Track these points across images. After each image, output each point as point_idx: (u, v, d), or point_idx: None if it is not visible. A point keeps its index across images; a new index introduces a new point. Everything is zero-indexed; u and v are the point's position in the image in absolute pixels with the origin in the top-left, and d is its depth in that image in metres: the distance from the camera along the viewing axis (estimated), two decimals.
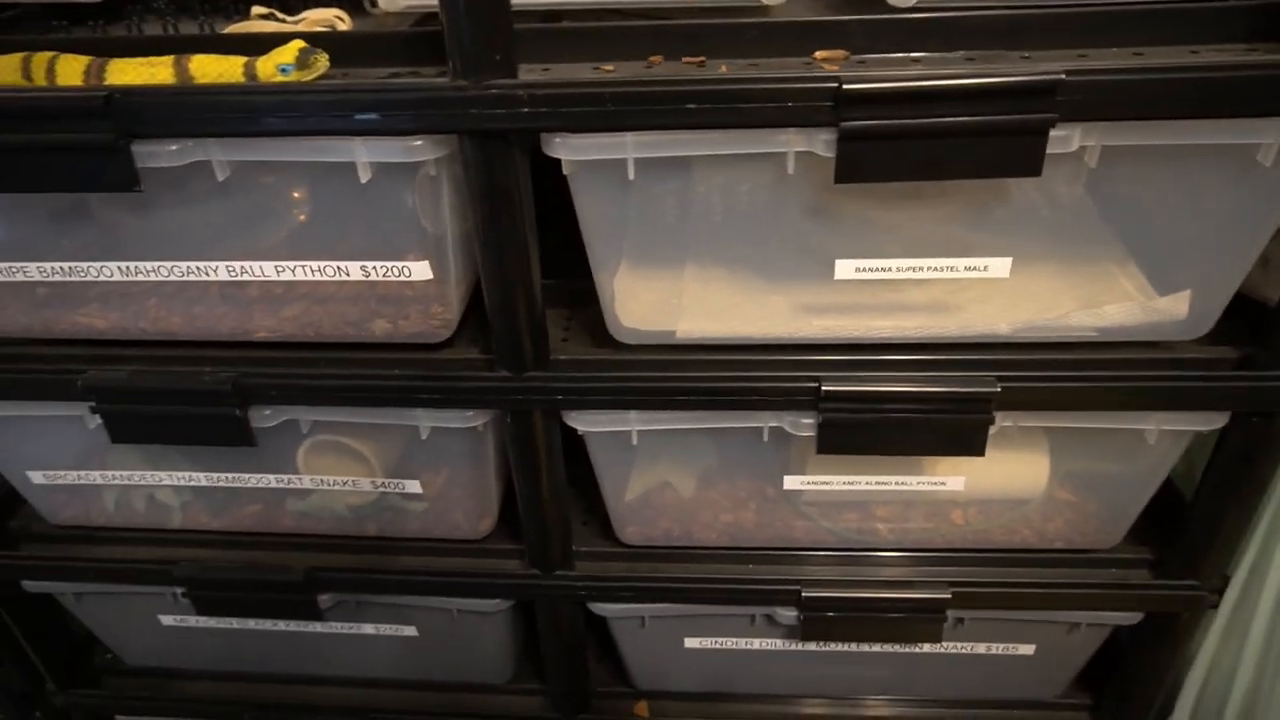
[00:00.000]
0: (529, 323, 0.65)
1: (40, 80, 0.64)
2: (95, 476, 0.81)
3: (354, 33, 0.68)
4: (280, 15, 0.76)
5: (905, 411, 0.64)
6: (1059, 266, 0.64)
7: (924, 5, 0.63)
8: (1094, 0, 0.61)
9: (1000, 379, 0.63)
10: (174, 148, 0.58)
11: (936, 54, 0.62)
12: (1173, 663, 0.81)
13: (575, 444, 0.73)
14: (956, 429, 0.64)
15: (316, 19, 0.75)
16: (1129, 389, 0.64)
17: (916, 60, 0.61)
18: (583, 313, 0.73)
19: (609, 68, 0.63)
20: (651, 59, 0.64)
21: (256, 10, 0.77)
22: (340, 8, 0.78)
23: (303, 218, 0.66)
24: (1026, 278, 0.63)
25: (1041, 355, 0.64)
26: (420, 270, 0.64)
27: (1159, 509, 0.76)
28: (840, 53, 0.63)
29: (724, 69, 0.61)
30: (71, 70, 0.63)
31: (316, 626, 0.89)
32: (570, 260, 0.67)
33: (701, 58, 0.64)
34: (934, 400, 0.63)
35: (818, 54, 0.63)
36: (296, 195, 0.66)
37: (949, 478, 0.73)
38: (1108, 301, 0.64)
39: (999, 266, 0.61)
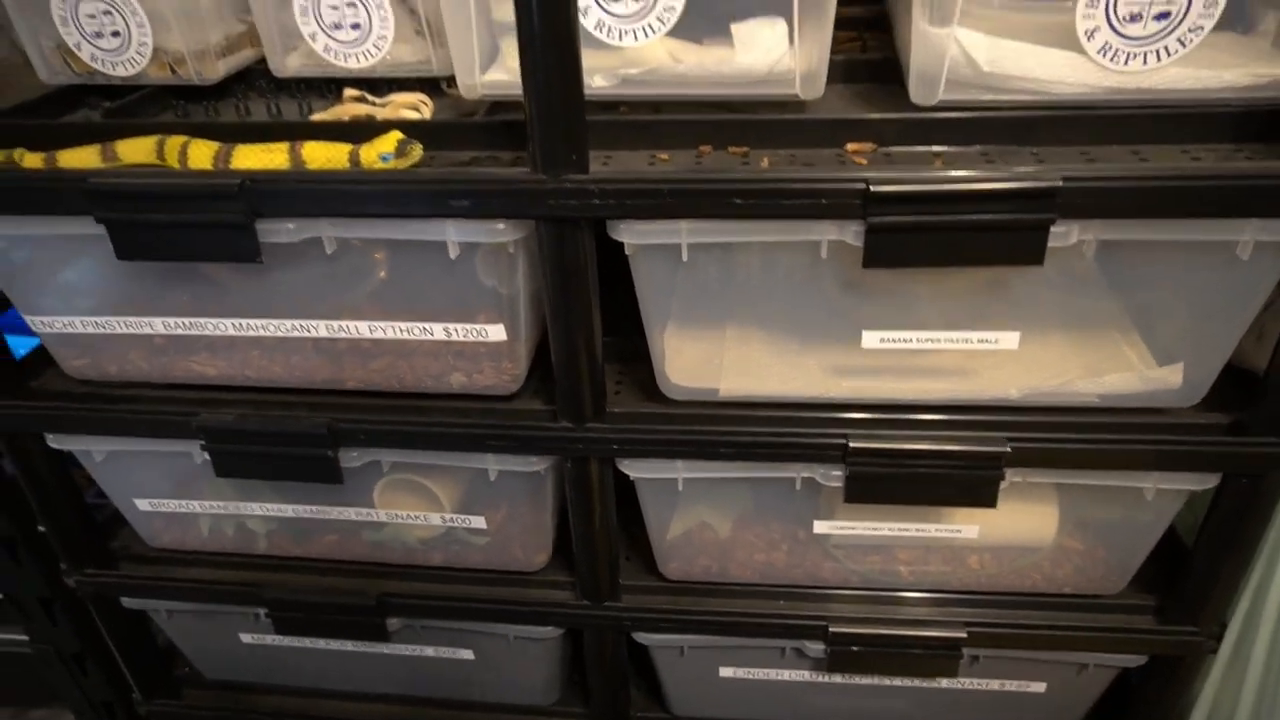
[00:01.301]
0: (590, 380, 0.73)
1: (173, 161, 0.75)
2: (194, 505, 0.90)
3: (442, 121, 0.77)
4: (370, 97, 0.87)
5: (924, 467, 0.71)
6: (1066, 337, 0.71)
7: (944, 104, 0.71)
8: (1097, 102, 0.69)
9: (1010, 439, 0.70)
10: (292, 226, 0.68)
11: (955, 147, 0.71)
12: (1176, 704, 0.86)
13: (622, 484, 0.81)
14: (969, 483, 0.71)
15: (403, 102, 0.85)
16: (1128, 451, 0.71)
17: (938, 155, 0.70)
18: (633, 367, 0.82)
19: (664, 156, 0.72)
20: (701, 149, 0.74)
21: (349, 93, 0.87)
22: (422, 90, 0.88)
23: (393, 282, 0.75)
24: (1035, 348, 0.71)
25: (1048, 418, 0.71)
26: (496, 332, 0.73)
27: (1162, 558, 0.82)
28: (869, 145, 0.72)
29: (766, 161, 0.70)
30: (202, 155, 0.73)
31: (382, 648, 0.97)
32: (621, 318, 0.75)
33: (745, 148, 0.73)
34: (949, 457, 0.70)
35: (849, 145, 0.72)
36: (391, 265, 0.75)
37: (965, 526, 0.80)
38: (1111, 369, 0.71)
39: (1008, 339, 0.69)
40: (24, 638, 1.08)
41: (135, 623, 1.01)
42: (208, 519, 0.92)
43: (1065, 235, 0.61)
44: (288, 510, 0.89)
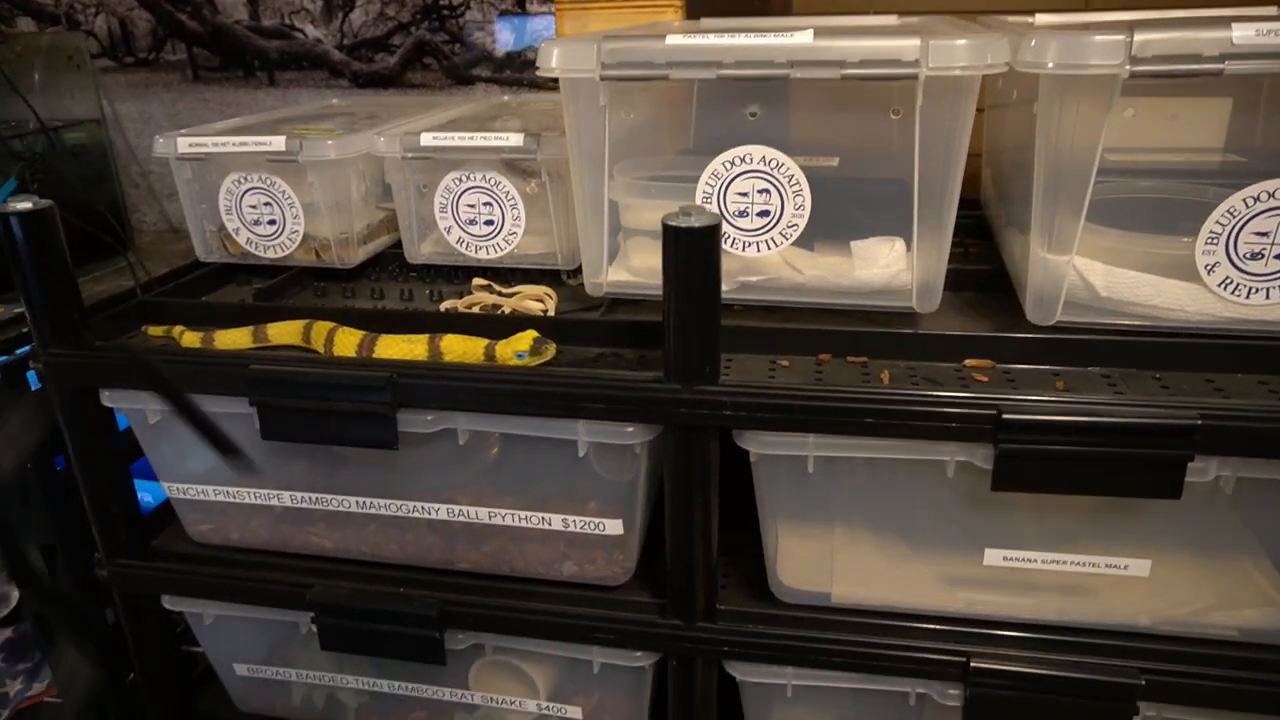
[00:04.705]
0: (705, 581, 0.73)
1: (318, 346, 0.80)
2: (290, 674, 0.91)
3: (572, 319, 0.81)
4: (498, 287, 0.92)
5: (1052, 695, 0.68)
6: (1198, 565, 0.69)
7: (1061, 325, 0.73)
8: (1219, 331, 0.70)
9: (1143, 671, 0.67)
10: (429, 418, 0.72)
11: (1074, 368, 0.71)
12: None
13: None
14: (1101, 716, 0.68)
15: (530, 294, 0.90)
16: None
17: (1057, 375, 0.71)
18: (738, 560, 0.81)
19: (785, 362, 0.75)
20: (821, 356, 0.76)
21: (477, 282, 0.93)
22: (544, 279, 0.94)
23: (516, 472, 0.78)
24: (1166, 575, 0.69)
25: (1185, 649, 0.68)
26: (613, 526, 0.74)
27: None
28: (987, 362, 0.73)
29: (886, 374, 0.72)
30: (347, 342, 0.78)
31: None
32: (724, 511, 0.75)
33: (864, 358, 0.75)
34: (1080, 688, 0.67)
35: (968, 361, 0.74)
36: (517, 456, 0.77)
37: None
38: (1246, 602, 0.69)
39: (1139, 566, 0.68)
40: None
41: None
42: (301, 688, 0.92)
43: (1203, 471, 0.61)
44: (382, 685, 0.89)
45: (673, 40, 0.71)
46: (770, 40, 0.69)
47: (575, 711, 0.84)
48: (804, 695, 0.78)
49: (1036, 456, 0.61)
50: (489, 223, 0.91)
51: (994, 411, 0.61)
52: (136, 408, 0.78)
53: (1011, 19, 1.03)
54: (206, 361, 0.74)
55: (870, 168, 0.79)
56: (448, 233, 0.92)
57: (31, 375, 0.94)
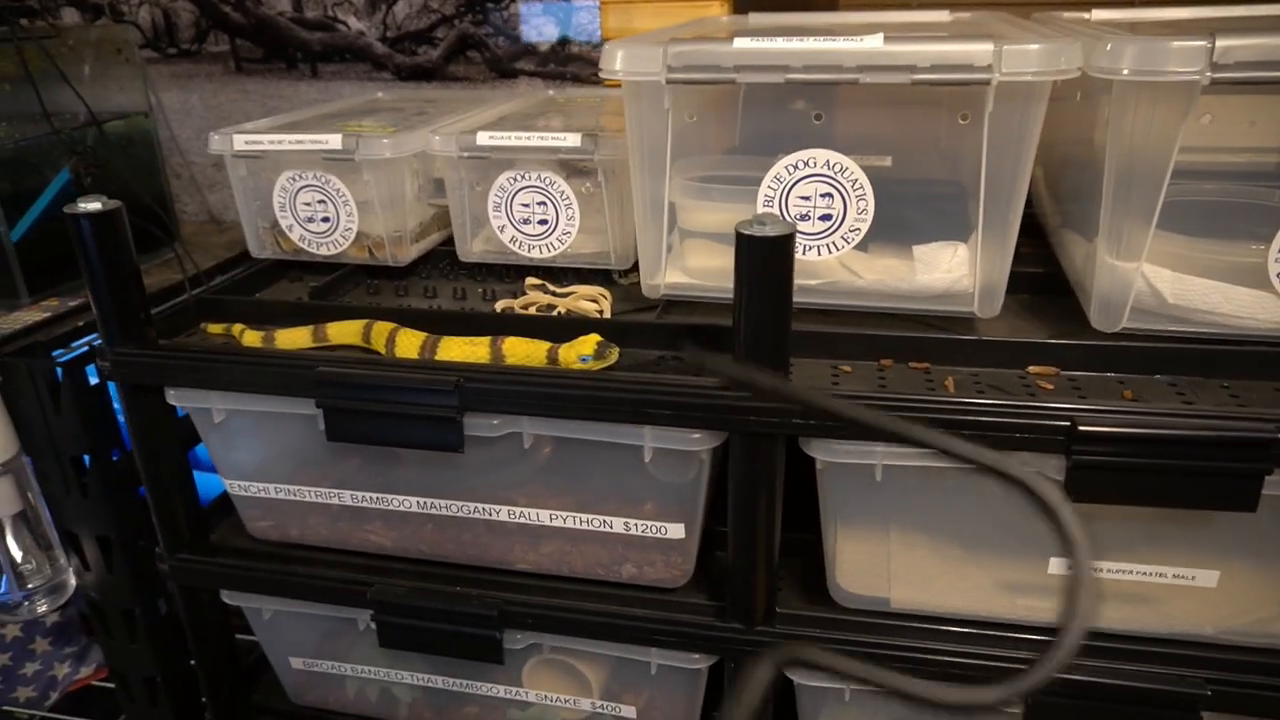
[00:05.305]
0: (765, 585, 0.73)
1: (379, 346, 0.80)
2: (345, 668, 0.92)
3: (630, 321, 0.81)
4: (551, 287, 0.92)
5: (1116, 705, 0.68)
6: (1263, 575, 0.69)
7: (1126, 332, 0.72)
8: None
9: (1209, 681, 0.67)
10: (495, 421, 0.72)
11: (1140, 375, 0.71)
12: None
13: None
14: None
15: (584, 294, 0.90)
16: None
17: (1123, 383, 0.70)
18: (791, 564, 0.82)
19: (847, 368, 0.75)
20: (883, 362, 0.76)
21: (531, 281, 0.93)
22: (595, 278, 0.94)
23: (579, 476, 0.78)
24: (1232, 585, 0.68)
25: (1250, 658, 0.68)
26: (676, 531, 0.75)
27: None
28: (1051, 369, 0.73)
29: (950, 381, 0.72)
30: (410, 344, 0.79)
31: None
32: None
33: (927, 364, 0.75)
34: (1144, 698, 0.67)
35: (1031, 368, 0.73)
36: (581, 460, 0.77)
37: None
38: None
39: (1206, 577, 0.67)
40: None
41: None
42: (355, 682, 0.93)
43: (1279, 484, 0.60)
44: (436, 681, 0.90)
45: (741, 44, 0.70)
46: (840, 45, 0.68)
47: (629, 710, 0.85)
48: (861, 699, 0.78)
49: (1111, 468, 0.61)
50: (543, 222, 0.91)
51: (1069, 423, 0.61)
52: (202, 406, 0.79)
53: (1066, 15, 1.02)
54: (273, 363, 0.75)
55: (924, 169, 0.79)
56: (501, 231, 0.92)
57: (90, 370, 0.95)
